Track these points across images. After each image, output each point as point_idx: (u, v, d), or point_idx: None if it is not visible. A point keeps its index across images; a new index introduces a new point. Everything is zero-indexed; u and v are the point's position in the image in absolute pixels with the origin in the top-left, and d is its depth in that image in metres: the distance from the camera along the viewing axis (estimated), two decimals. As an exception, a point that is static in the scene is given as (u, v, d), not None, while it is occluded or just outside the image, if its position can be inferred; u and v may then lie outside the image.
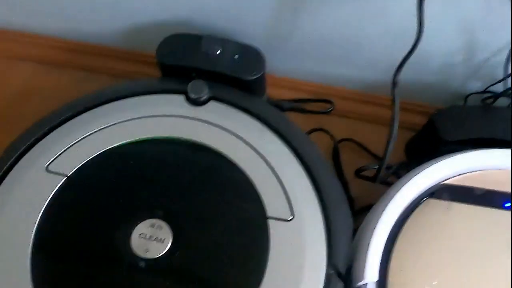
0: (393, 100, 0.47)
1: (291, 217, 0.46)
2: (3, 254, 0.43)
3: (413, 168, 0.53)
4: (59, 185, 0.47)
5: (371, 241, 0.46)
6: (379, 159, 0.53)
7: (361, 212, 0.55)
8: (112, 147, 0.50)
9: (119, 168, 0.49)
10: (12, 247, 0.43)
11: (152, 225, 0.45)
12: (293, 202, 0.47)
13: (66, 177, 0.48)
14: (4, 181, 0.47)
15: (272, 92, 0.66)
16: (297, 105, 0.65)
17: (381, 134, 0.65)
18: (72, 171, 0.48)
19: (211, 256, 0.44)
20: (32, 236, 0.44)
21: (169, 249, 0.44)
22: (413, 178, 0.51)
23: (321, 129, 0.64)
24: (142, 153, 0.50)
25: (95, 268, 0.44)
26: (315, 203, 0.47)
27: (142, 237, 0.45)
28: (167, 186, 0.48)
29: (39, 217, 0.45)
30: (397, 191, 0.50)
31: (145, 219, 0.46)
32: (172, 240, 0.45)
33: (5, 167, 0.48)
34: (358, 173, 0.57)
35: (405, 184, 0.50)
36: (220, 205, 0.47)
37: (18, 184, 0.47)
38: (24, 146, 0.49)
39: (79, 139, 0.50)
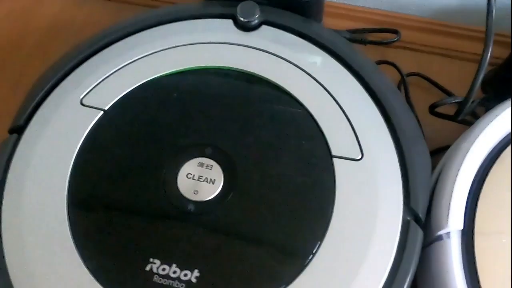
0: (488, 16, 0.38)
1: (360, 156, 0.39)
2: (38, 195, 0.38)
3: (494, 105, 0.45)
4: (95, 120, 0.42)
5: (455, 184, 0.39)
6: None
7: (436, 153, 0.48)
8: (153, 78, 0.44)
9: (161, 101, 0.43)
10: (47, 188, 0.39)
11: (201, 165, 0.40)
12: (362, 139, 0.40)
13: (102, 112, 0.42)
14: (36, 115, 0.42)
15: (328, 22, 0.58)
16: (358, 36, 0.57)
17: (452, 68, 0.57)
18: (110, 105, 0.42)
19: (268, 200, 0.38)
20: (68, 177, 0.39)
21: (221, 191, 0.39)
22: (501, 115, 0.43)
23: (386, 62, 0.56)
24: (187, 84, 0.44)
25: (138, 212, 0.38)
26: (388, 139, 0.40)
27: (190, 178, 0.39)
28: (216, 121, 0.42)
29: (74, 156, 0.40)
30: (483, 129, 0.42)
31: (193, 158, 0.40)
32: (224, 182, 0.39)
33: (36, 99, 0.42)
34: (432, 109, 0.49)
35: (491, 121, 0.43)
36: (277, 143, 0.41)
37: (50, 120, 0.42)
38: (57, 77, 0.44)
39: (116, 69, 0.44)
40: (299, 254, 0.36)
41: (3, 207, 0.38)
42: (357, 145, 0.40)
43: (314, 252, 0.36)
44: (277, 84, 0.43)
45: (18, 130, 0.42)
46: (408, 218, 0.37)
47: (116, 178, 0.40)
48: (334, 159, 0.40)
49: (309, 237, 0.37)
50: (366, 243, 0.36)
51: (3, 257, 0.36)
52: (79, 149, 0.40)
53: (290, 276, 0.35)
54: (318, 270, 0.35)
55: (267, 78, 0.43)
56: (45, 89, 0.43)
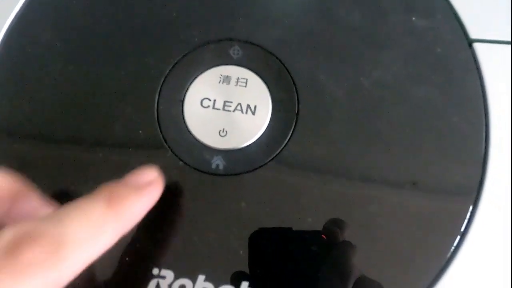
0: None
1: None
2: None
3: None
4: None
5: None
6: None
7: None
8: None
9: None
10: None
11: (226, 79, 0.21)
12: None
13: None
14: None
15: None
16: None
17: None
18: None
19: (374, 141, 0.20)
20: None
21: (269, 128, 0.20)
22: None
23: None
24: None
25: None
26: None
27: (207, 106, 0.20)
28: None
29: None
30: None
31: (210, 67, 0.21)
32: (273, 109, 0.20)
33: None
34: None
35: None
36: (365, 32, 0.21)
37: None
38: None
39: None
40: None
41: None
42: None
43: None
44: None
45: None
46: None
47: (66, 107, 0.21)
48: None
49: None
50: None
51: None
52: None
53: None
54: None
55: None
56: None
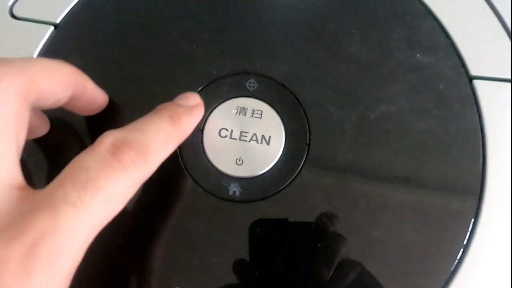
0: None
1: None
2: None
3: None
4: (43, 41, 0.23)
5: None
6: None
7: None
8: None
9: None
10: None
11: (243, 110, 0.22)
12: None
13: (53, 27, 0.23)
14: None
15: None
16: None
17: None
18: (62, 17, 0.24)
19: (385, 169, 0.21)
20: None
21: (282, 156, 0.21)
22: None
23: None
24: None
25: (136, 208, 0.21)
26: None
27: (224, 136, 0.22)
28: (264, 32, 0.24)
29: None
30: None
31: (227, 99, 0.22)
32: (286, 139, 0.22)
33: None
34: None
35: None
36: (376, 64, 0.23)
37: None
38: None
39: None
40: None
41: None
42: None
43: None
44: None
45: None
46: None
47: (89, 139, 0.22)
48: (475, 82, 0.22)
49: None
50: None
51: None
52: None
53: None
54: None
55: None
56: None
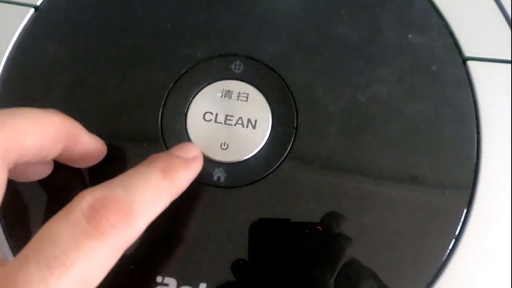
0: None
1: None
2: None
3: None
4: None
5: None
6: None
7: None
8: None
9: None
10: None
11: (228, 93, 0.21)
12: None
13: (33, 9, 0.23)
14: None
15: None
16: None
17: None
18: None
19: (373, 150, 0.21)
20: None
21: (269, 140, 0.21)
22: None
23: None
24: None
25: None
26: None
27: (209, 120, 0.21)
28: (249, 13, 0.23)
29: None
30: None
31: (212, 81, 0.21)
32: (273, 123, 0.21)
33: None
34: None
35: None
36: (361, 46, 0.22)
37: None
38: None
39: None
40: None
41: None
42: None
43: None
44: None
45: None
46: None
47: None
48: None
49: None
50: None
51: None
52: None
53: None
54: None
55: None
56: None
